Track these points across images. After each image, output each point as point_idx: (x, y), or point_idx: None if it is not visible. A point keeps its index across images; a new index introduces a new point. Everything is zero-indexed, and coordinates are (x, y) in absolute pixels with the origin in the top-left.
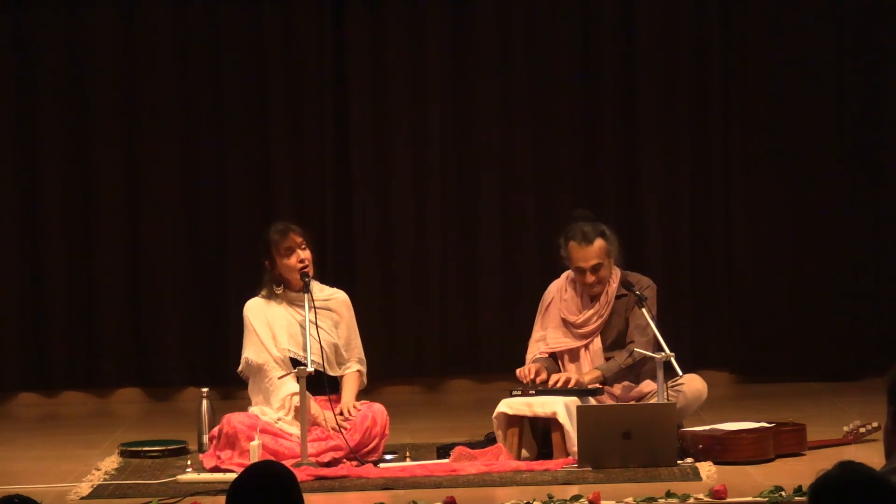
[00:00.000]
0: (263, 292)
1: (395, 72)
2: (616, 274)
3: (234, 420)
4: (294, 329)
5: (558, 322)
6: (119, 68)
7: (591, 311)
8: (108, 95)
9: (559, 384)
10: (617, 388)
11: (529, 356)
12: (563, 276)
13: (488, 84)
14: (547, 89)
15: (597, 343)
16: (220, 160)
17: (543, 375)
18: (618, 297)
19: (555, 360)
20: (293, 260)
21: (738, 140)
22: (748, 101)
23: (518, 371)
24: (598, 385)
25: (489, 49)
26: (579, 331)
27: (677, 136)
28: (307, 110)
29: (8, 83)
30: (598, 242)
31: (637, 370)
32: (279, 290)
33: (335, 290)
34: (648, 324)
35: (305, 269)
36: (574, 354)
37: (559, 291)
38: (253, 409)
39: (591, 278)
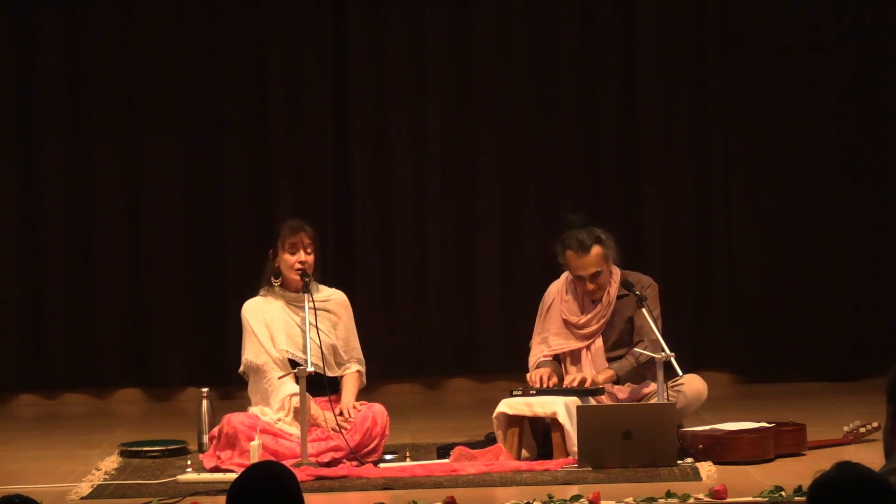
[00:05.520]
0: (262, 291)
1: (395, 71)
2: (616, 274)
3: (234, 420)
4: (292, 330)
5: (559, 324)
6: (119, 68)
7: (593, 313)
8: (108, 95)
9: (575, 384)
10: (624, 390)
11: (532, 359)
12: (563, 276)
13: (488, 84)
14: (547, 89)
15: (598, 343)
16: (220, 160)
17: (555, 380)
18: (619, 297)
19: (558, 362)
20: (293, 259)
21: (738, 140)
22: (748, 101)
23: (528, 377)
24: (600, 385)
25: (489, 48)
26: (581, 332)
27: (677, 135)
28: (307, 110)
29: (8, 83)
30: (596, 250)
31: (644, 371)
32: (277, 283)
33: (333, 290)
34: (649, 325)
35: (303, 270)
36: (576, 356)
37: (559, 293)
38: (253, 410)
39: (590, 286)
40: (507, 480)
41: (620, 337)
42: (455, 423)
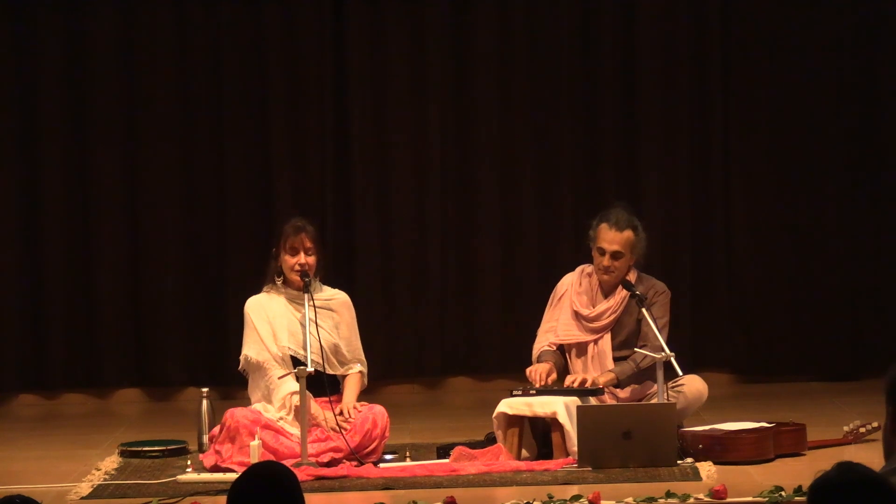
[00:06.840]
0: (265, 288)
1: (395, 70)
2: (633, 275)
3: (237, 414)
4: (294, 327)
5: (570, 314)
6: (119, 68)
7: (605, 306)
8: (108, 96)
9: (575, 385)
10: (626, 391)
11: (537, 347)
12: (578, 270)
13: (488, 82)
14: (547, 88)
15: (606, 340)
16: (220, 160)
17: (554, 376)
18: (632, 297)
19: (562, 353)
20: (293, 260)
21: (738, 140)
22: (748, 102)
23: (528, 371)
24: (600, 386)
25: (489, 47)
26: (591, 325)
27: (677, 135)
28: (307, 110)
29: (8, 84)
30: (628, 233)
31: (648, 373)
32: (279, 281)
33: (336, 290)
34: (651, 325)
35: (303, 271)
36: (582, 349)
37: (572, 285)
38: (255, 406)
39: (607, 261)
40: (507, 480)
41: (628, 337)
42: (455, 423)
